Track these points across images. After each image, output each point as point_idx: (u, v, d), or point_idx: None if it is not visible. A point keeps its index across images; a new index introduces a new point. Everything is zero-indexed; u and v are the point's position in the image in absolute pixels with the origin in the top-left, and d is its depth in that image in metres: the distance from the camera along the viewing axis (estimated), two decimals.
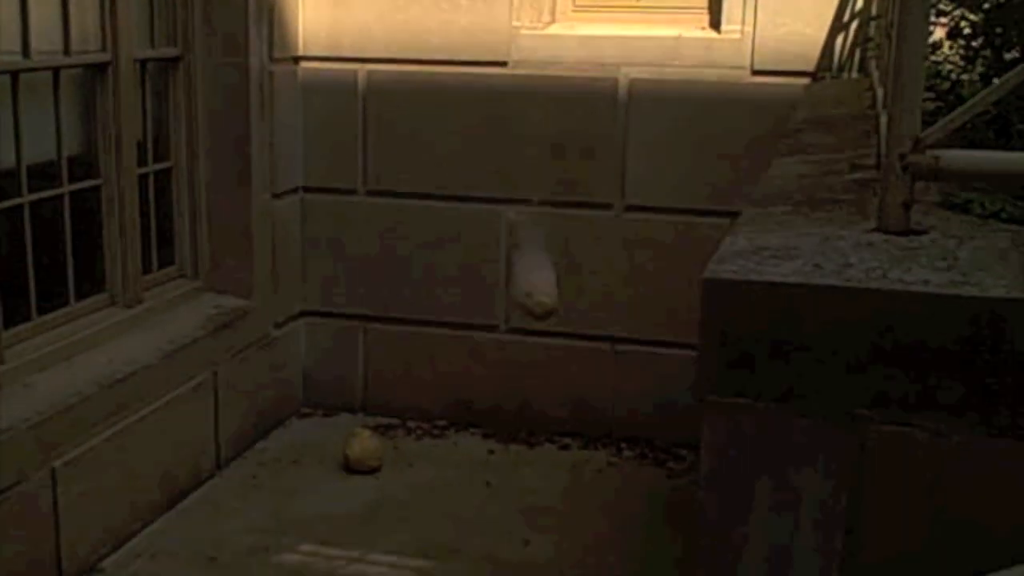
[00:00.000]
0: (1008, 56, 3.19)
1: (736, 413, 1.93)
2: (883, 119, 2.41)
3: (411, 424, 5.27)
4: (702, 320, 1.95)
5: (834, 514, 1.90)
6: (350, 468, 4.76)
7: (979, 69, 3.29)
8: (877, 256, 2.01)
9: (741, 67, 4.73)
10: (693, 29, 4.85)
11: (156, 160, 4.60)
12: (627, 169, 4.90)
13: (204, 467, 4.62)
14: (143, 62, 4.46)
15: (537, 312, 4.69)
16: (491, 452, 5.02)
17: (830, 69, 4.65)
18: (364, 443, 4.80)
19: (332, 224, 5.26)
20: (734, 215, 2.46)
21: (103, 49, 4.22)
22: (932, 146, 2.05)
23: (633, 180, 4.90)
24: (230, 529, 4.25)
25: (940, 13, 3.38)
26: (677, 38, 4.81)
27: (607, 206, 4.95)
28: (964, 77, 3.33)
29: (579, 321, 5.06)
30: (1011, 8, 3.20)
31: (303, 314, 5.36)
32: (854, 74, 4.60)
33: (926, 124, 2.10)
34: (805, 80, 4.64)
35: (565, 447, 5.08)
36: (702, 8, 4.87)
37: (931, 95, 3.05)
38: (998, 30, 3.22)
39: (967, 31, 3.34)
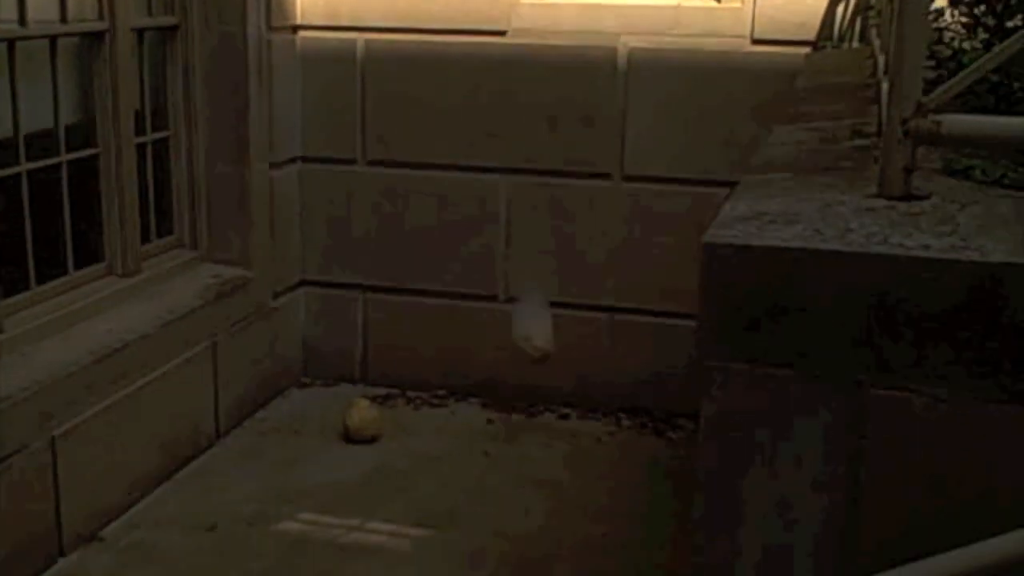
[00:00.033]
0: (1010, 23, 3.17)
1: (736, 377, 1.93)
2: (884, 86, 2.39)
3: (410, 394, 5.27)
4: (702, 284, 1.94)
5: (835, 477, 1.91)
6: (349, 438, 4.77)
7: (981, 36, 3.27)
8: (878, 221, 2.00)
9: (741, 36, 4.71)
10: None
11: (154, 130, 4.59)
12: (626, 139, 4.89)
13: (203, 437, 4.63)
14: (140, 31, 4.44)
15: (534, 356, 4.83)
16: (490, 422, 5.03)
17: (831, 38, 4.63)
18: (363, 413, 4.81)
19: (331, 194, 5.25)
20: (734, 184, 2.45)
21: (100, 18, 4.20)
22: (933, 111, 2.05)
23: (632, 150, 4.89)
24: (230, 498, 4.27)
25: None
26: (677, 7, 4.78)
27: (606, 176, 4.94)
28: (966, 45, 3.32)
29: (578, 291, 5.06)
30: None
31: (302, 284, 5.35)
32: (855, 43, 4.58)
33: (927, 92, 2.09)
34: (806, 49, 4.63)
35: (564, 417, 5.09)
36: None
37: (932, 63, 3.03)
38: None
39: None
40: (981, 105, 2.71)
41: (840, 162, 2.55)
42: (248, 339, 4.91)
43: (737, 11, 4.70)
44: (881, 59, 3.09)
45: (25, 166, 3.88)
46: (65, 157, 4.09)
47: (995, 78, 2.75)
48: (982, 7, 3.29)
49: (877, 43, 3.58)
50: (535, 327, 4.89)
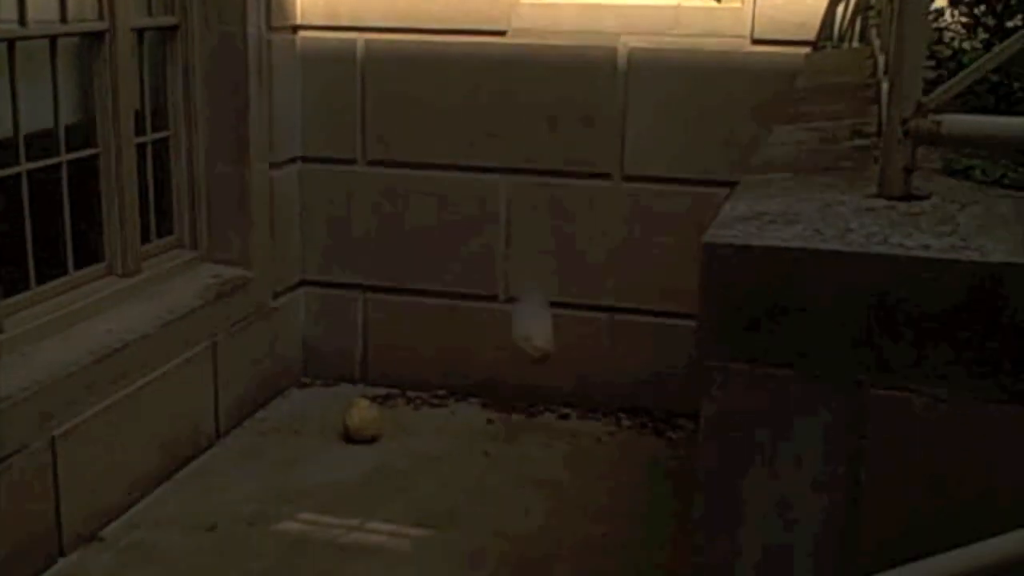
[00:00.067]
0: (1010, 23, 3.17)
1: (736, 377, 1.92)
2: (884, 86, 2.39)
3: (410, 394, 5.27)
4: (702, 284, 1.94)
5: (835, 477, 1.91)
6: (349, 437, 4.77)
7: (981, 36, 3.27)
8: (878, 221, 2.00)
9: (741, 36, 4.71)
10: None
11: (154, 130, 4.59)
12: (626, 139, 4.89)
13: (203, 437, 4.63)
14: (140, 31, 4.44)
15: (534, 356, 4.84)
16: (490, 422, 5.03)
17: (831, 38, 4.63)
18: (363, 412, 4.81)
19: (331, 194, 5.25)
20: (734, 184, 2.45)
21: (100, 18, 4.20)
22: (933, 111, 2.05)
23: (632, 150, 4.89)
24: (230, 498, 4.26)
25: None
26: (677, 7, 4.78)
27: (606, 176, 4.94)
28: (966, 45, 3.31)
29: (578, 291, 5.06)
30: None
31: (302, 284, 5.35)
32: (855, 43, 4.58)
33: (927, 92, 2.09)
34: (805, 49, 4.63)
35: (564, 417, 5.09)
36: None
37: (932, 63, 3.03)
38: None
39: None
40: (981, 105, 2.71)
41: (840, 162, 2.55)
42: (248, 339, 4.91)
43: (737, 11, 4.70)
44: (881, 59, 3.09)
45: (25, 166, 3.88)
46: (65, 157, 4.09)
47: (995, 78, 2.75)
48: (982, 7, 3.29)
49: (877, 43, 3.58)
50: (535, 327, 4.90)
